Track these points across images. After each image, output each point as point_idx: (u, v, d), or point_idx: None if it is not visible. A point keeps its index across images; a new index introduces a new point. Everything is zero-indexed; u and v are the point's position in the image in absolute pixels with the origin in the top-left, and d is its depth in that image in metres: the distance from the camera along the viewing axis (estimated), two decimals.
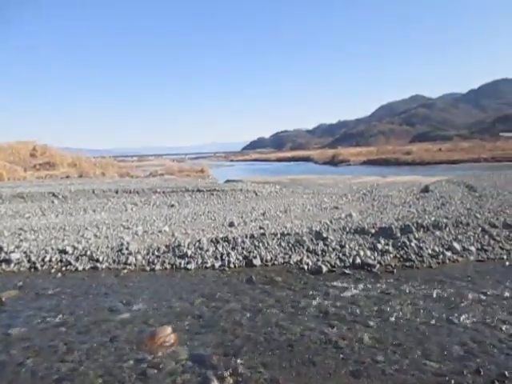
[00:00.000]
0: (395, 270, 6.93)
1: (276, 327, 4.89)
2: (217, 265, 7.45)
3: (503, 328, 4.65)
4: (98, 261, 7.74)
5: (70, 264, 7.66)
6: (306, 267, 7.20)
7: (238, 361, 4.13)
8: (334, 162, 60.72)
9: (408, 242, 7.89)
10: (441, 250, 7.65)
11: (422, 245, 7.83)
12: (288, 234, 8.33)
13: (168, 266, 7.50)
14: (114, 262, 7.73)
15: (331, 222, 9.39)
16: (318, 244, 7.99)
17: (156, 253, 7.93)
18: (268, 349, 4.39)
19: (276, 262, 7.51)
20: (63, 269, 7.54)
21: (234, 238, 8.24)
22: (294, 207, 12.22)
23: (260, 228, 9.06)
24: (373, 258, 7.45)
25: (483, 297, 5.60)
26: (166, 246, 8.12)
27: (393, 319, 5.00)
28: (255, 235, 8.36)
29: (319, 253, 7.72)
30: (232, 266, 7.43)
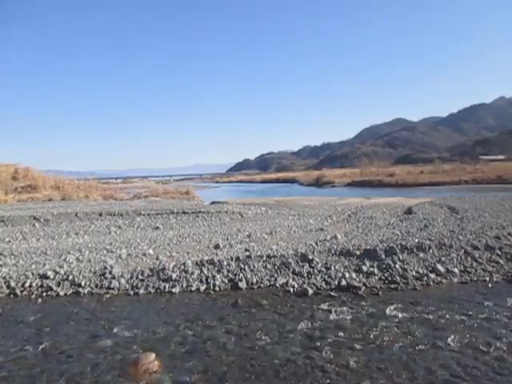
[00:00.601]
0: (380, 292, 6.95)
1: (262, 352, 4.84)
2: (202, 288, 7.37)
3: (488, 351, 4.68)
4: (80, 285, 7.58)
5: (51, 289, 7.48)
6: (291, 290, 7.17)
7: None
8: (318, 183, 61.26)
9: (393, 264, 7.94)
10: (425, 271, 7.72)
11: (406, 267, 7.89)
12: (274, 257, 8.32)
13: (152, 290, 7.39)
14: (96, 286, 7.58)
15: (317, 243, 9.42)
16: (303, 266, 7.99)
17: (140, 276, 7.81)
18: (254, 374, 4.32)
19: (262, 285, 7.46)
20: (44, 294, 7.35)
21: (219, 261, 8.18)
22: (280, 229, 12.23)
23: (246, 250, 9.04)
24: (358, 280, 7.47)
25: (467, 319, 5.64)
26: (151, 270, 8.02)
27: (378, 342, 5.00)
28: (241, 257, 8.32)
29: (305, 275, 7.72)
30: (217, 289, 7.35)
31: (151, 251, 9.50)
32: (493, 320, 5.59)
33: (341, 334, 5.29)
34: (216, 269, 8.00)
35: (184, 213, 16.56)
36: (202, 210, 16.94)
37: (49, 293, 7.39)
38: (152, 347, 5.00)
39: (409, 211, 15.77)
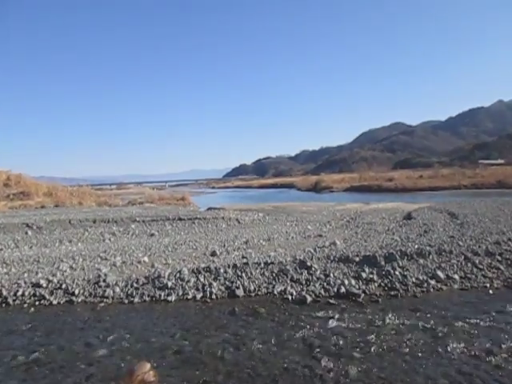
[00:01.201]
0: (380, 299, 6.95)
1: (259, 361, 4.82)
2: (198, 296, 7.35)
3: (489, 359, 4.69)
4: (73, 294, 7.54)
5: (44, 298, 7.44)
6: (290, 297, 7.16)
7: None
8: (317, 188, 61.29)
9: (392, 271, 7.95)
10: (425, 278, 7.73)
11: (406, 273, 7.90)
12: (271, 263, 8.31)
13: (147, 299, 7.36)
14: (90, 295, 7.55)
15: (315, 250, 9.43)
16: (302, 273, 7.99)
17: (135, 285, 7.78)
18: None
19: (259, 293, 7.45)
20: (37, 303, 7.32)
21: (216, 268, 8.17)
22: (278, 235, 12.24)
23: (243, 257, 9.03)
24: (357, 287, 7.47)
25: (468, 326, 5.65)
26: (146, 278, 7.99)
27: (378, 351, 4.99)
28: (238, 265, 8.31)
29: (303, 282, 7.71)
30: (214, 297, 7.33)
31: (146, 259, 9.48)
32: (494, 327, 5.60)
33: (340, 342, 5.28)
34: (213, 276, 7.98)
35: (180, 219, 16.54)
36: (198, 217, 16.94)
37: (41, 302, 7.35)
38: (147, 357, 4.97)
39: (408, 216, 15.82)
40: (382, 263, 8.27)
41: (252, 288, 7.57)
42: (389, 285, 7.56)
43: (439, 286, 7.51)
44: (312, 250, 9.39)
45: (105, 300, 7.34)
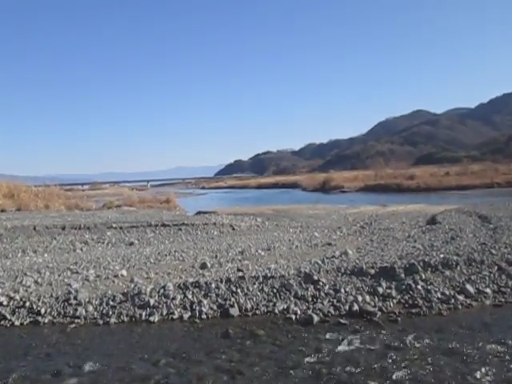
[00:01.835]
0: (399, 319, 6.97)
1: None
2: (186, 316, 7.36)
3: None
4: (39, 314, 7.54)
5: (5, 318, 7.43)
6: (293, 317, 7.17)
7: None
8: (325, 188, 61.51)
9: (414, 285, 7.97)
10: (452, 293, 7.75)
11: (429, 287, 7.92)
12: (272, 277, 8.32)
13: (126, 319, 7.36)
14: (59, 314, 7.54)
15: (323, 261, 9.44)
16: (307, 289, 8.00)
17: (111, 302, 7.78)
18: None
19: (258, 312, 7.46)
20: None
21: (206, 283, 8.18)
22: (279, 244, 12.26)
23: (238, 270, 9.04)
24: (373, 304, 7.49)
25: (502, 349, 5.67)
26: (124, 294, 7.99)
27: (397, 378, 5.00)
28: (232, 279, 8.32)
29: (309, 299, 7.72)
30: (204, 317, 7.34)
31: (124, 272, 9.48)
32: None
33: (352, 369, 5.29)
34: (202, 293, 7.99)
35: (164, 225, 16.55)
36: (186, 222, 16.96)
37: (2, 322, 7.34)
38: None
39: (432, 221, 15.87)
40: (402, 276, 8.30)
41: (249, 306, 7.58)
42: (410, 301, 7.58)
43: (469, 301, 7.53)
44: (319, 262, 9.41)
45: (76, 320, 7.34)
